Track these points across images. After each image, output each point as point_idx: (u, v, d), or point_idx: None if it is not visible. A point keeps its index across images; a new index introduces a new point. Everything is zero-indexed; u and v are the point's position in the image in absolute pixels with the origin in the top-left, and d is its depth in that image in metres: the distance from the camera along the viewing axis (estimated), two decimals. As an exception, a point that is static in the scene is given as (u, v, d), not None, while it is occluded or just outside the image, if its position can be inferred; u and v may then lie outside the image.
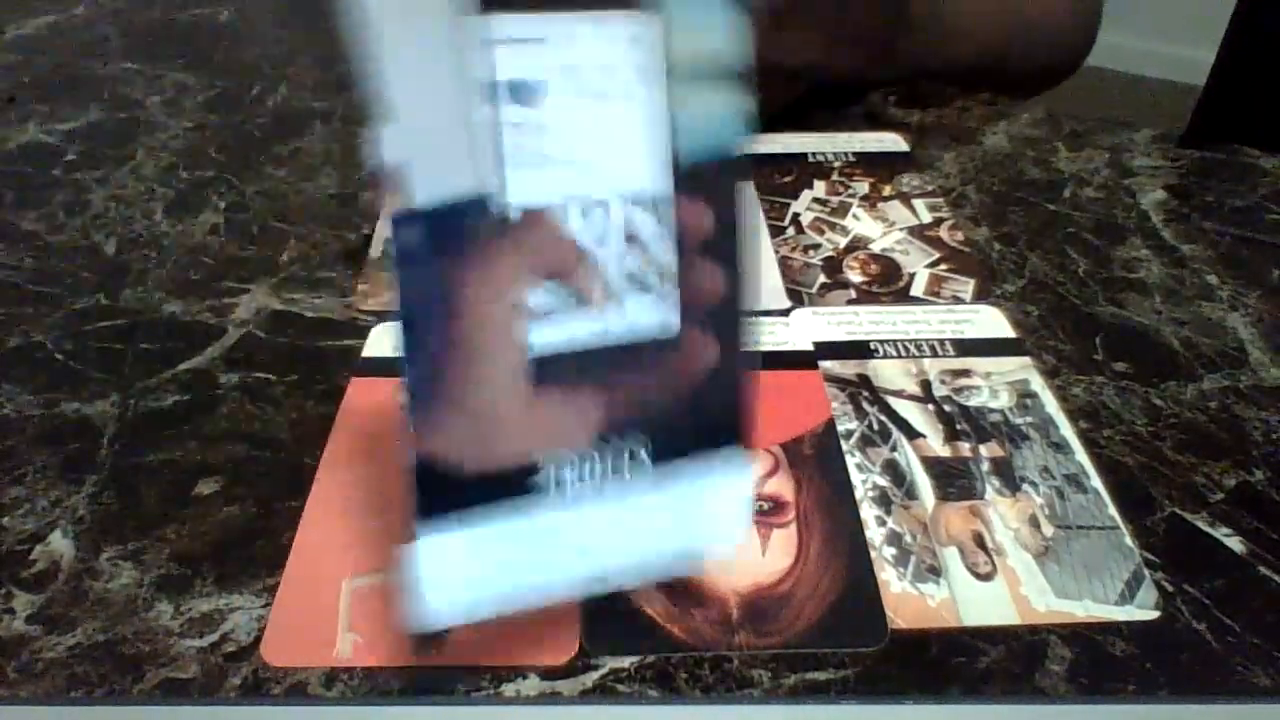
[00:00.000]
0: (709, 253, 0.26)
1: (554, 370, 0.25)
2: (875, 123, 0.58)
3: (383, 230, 0.48)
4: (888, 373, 0.39)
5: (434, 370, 0.25)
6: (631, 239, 0.25)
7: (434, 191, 0.24)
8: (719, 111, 0.25)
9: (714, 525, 0.28)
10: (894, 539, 0.32)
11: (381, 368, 0.39)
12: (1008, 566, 0.31)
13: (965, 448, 0.36)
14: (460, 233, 0.24)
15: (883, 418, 0.37)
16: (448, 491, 0.25)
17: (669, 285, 0.26)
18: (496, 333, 0.25)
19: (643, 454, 0.26)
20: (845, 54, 0.56)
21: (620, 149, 0.25)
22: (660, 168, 0.25)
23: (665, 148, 0.25)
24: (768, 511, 0.33)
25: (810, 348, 0.40)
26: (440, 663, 0.28)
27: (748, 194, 0.26)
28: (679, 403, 0.26)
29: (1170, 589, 0.31)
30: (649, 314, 0.26)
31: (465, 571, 0.26)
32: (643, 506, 0.26)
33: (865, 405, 0.38)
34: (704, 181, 0.25)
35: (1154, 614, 0.30)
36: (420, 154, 0.24)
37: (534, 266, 0.25)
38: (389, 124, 0.24)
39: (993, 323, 0.42)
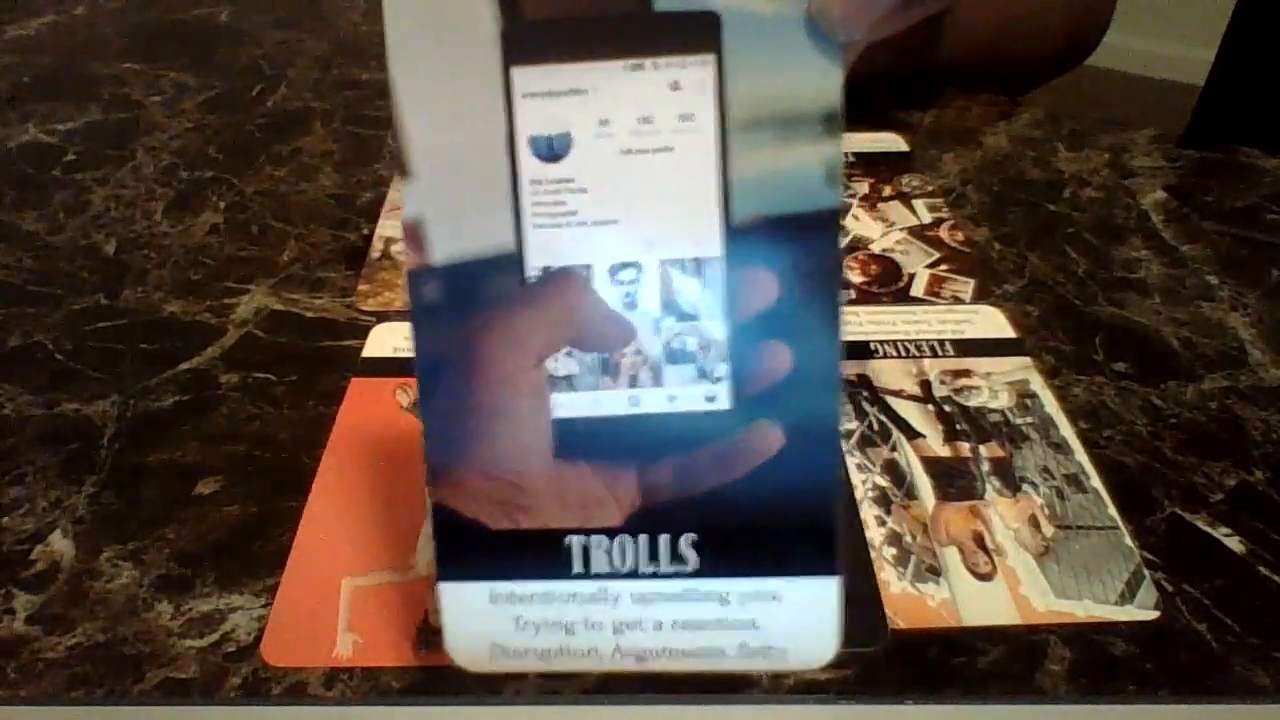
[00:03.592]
0: (773, 325, 0.23)
1: (584, 440, 0.24)
2: (875, 123, 0.58)
3: (383, 230, 0.48)
4: (888, 373, 0.39)
5: (452, 427, 0.24)
6: (672, 307, 0.24)
7: (454, 248, 0.23)
8: (793, 166, 0.23)
9: (782, 637, 0.25)
10: (894, 539, 0.32)
11: (381, 368, 0.39)
12: (1008, 566, 0.31)
13: (965, 448, 0.36)
14: (480, 291, 0.23)
15: (883, 418, 0.37)
16: (468, 545, 0.25)
17: (717, 359, 0.24)
18: (516, 396, 0.24)
19: (685, 544, 0.24)
20: (879, 55, 0.55)
21: (657, 208, 0.23)
22: (707, 228, 0.23)
23: (714, 206, 0.23)
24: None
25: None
26: (440, 663, 0.28)
27: (833, 259, 0.23)
28: (734, 491, 0.24)
29: (1170, 589, 0.31)
30: (692, 389, 0.24)
31: (489, 622, 0.25)
32: (684, 600, 0.25)
33: (865, 405, 0.38)
34: (768, 245, 0.23)
35: (1154, 614, 0.30)
36: (441, 210, 0.23)
37: (556, 329, 0.24)
38: (410, 179, 0.23)
39: (993, 323, 0.42)
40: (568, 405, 0.24)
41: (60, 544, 0.32)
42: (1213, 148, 0.56)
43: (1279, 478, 0.35)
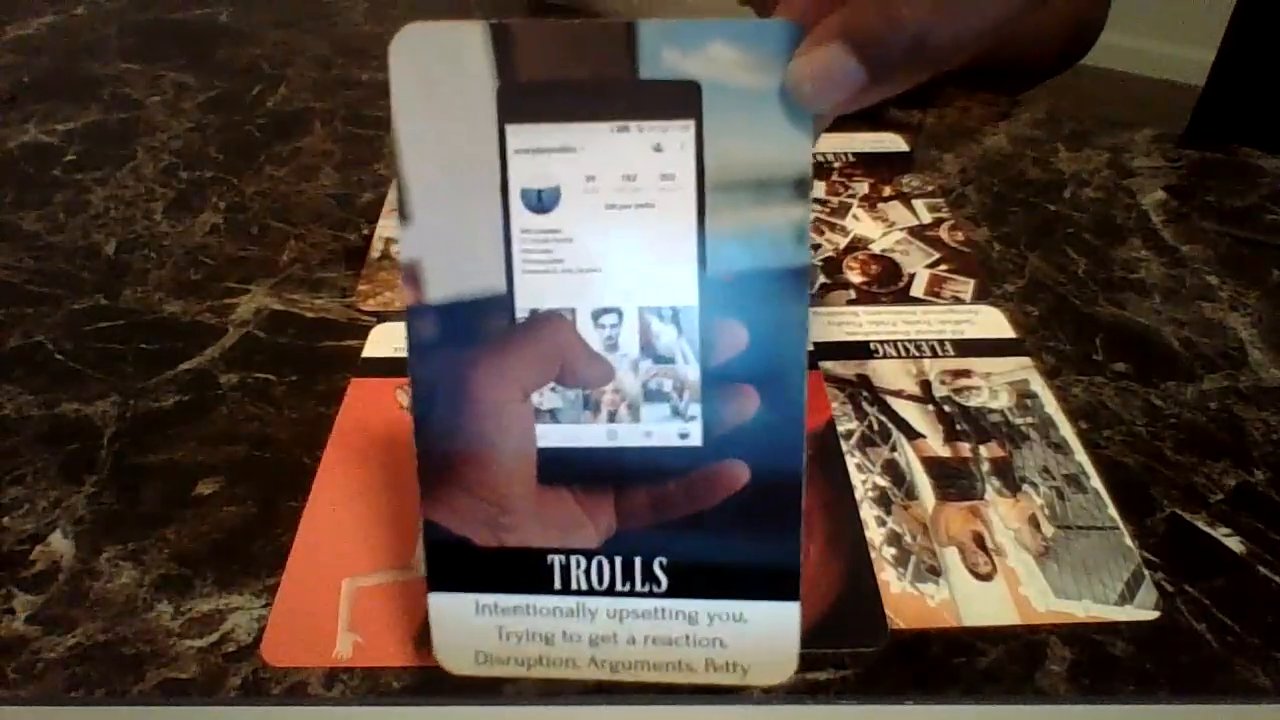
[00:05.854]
0: (743, 371, 0.25)
1: (565, 468, 0.26)
2: (875, 123, 0.58)
3: (383, 230, 0.48)
4: (888, 373, 0.39)
5: (444, 451, 0.26)
6: (649, 350, 0.25)
7: (448, 289, 0.25)
8: (765, 225, 0.24)
9: (746, 655, 0.27)
10: (894, 539, 0.32)
11: (381, 368, 0.39)
12: (1008, 566, 0.31)
13: (965, 448, 0.36)
14: (472, 329, 0.25)
15: (883, 418, 0.37)
16: (457, 560, 0.26)
17: (690, 400, 0.25)
18: (503, 426, 0.25)
19: (657, 566, 0.26)
20: None
21: (638, 259, 0.25)
22: (684, 280, 0.25)
23: (691, 260, 0.25)
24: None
25: (810, 348, 0.40)
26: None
27: (800, 312, 0.25)
28: (703, 520, 0.26)
29: (1170, 589, 0.31)
30: (666, 426, 0.25)
31: (474, 631, 0.27)
32: (656, 618, 0.26)
33: (865, 405, 0.38)
34: (740, 298, 0.25)
35: (1154, 614, 0.30)
36: (437, 254, 0.25)
37: (542, 367, 0.25)
38: (409, 223, 0.25)
39: (993, 323, 0.42)
40: (551, 436, 0.26)
41: (60, 544, 0.32)
42: (1213, 148, 0.56)
43: (1279, 478, 0.35)
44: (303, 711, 0.28)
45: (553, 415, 0.25)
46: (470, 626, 0.27)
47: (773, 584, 0.26)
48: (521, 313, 0.25)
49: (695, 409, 0.25)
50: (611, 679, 0.27)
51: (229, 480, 0.34)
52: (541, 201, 0.25)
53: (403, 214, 0.25)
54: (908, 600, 0.30)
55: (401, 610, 0.30)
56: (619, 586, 0.26)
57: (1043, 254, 0.47)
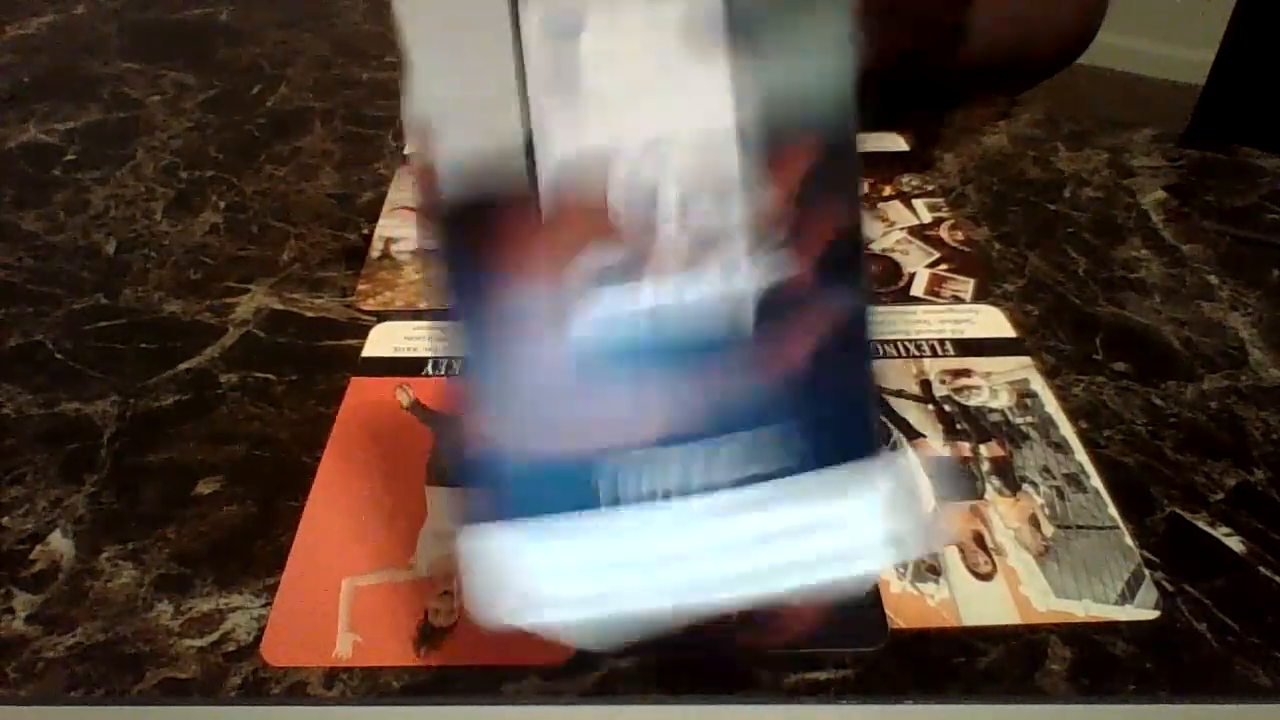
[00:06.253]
0: (799, 200, 0.22)
1: (615, 360, 0.23)
2: (875, 122, 0.58)
3: (383, 230, 0.48)
4: (888, 373, 0.39)
5: (487, 362, 0.23)
6: (694, 191, 0.22)
7: (464, 144, 0.22)
8: (806, 43, 0.22)
9: (847, 546, 0.23)
10: (894, 539, 0.32)
11: (381, 367, 0.39)
12: (1008, 566, 0.31)
13: (965, 448, 0.36)
14: (493, 194, 0.22)
15: (883, 418, 0.37)
16: (507, 487, 0.23)
17: (740, 251, 0.22)
18: (544, 318, 0.22)
19: (723, 457, 0.23)
20: (909, 38, 0.53)
21: (676, 87, 0.22)
22: (728, 107, 0.22)
23: (726, 90, 0.22)
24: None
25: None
26: (440, 663, 0.28)
27: (851, 137, 0.22)
28: (765, 400, 0.23)
29: (1170, 589, 0.31)
30: (716, 291, 0.22)
31: (527, 571, 0.23)
32: (729, 514, 0.23)
33: (865, 405, 0.38)
34: (785, 123, 0.22)
35: (1154, 614, 0.30)
36: (449, 105, 0.22)
37: (575, 237, 0.22)
38: (417, 76, 0.22)
39: (993, 323, 0.42)
40: (600, 311, 0.23)
41: (60, 544, 0.32)
42: (1213, 148, 0.56)
43: (1279, 478, 0.35)
44: (303, 711, 0.28)
45: (592, 293, 0.22)
46: (513, 566, 0.23)
47: (850, 449, 0.23)
48: (546, 164, 0.22)
49: (747, 261, 0.22)
50: (683, 606, 0.23)
51: (229, 480, 0.34)
52: (564, 29, 0.22)
53: (407, 65, 0.22)
54: (908, 600, 0.30)
55: (401, 610, 0.30)
56: (680, 489, 0.23)
57: (1043, 254, 0.47)
